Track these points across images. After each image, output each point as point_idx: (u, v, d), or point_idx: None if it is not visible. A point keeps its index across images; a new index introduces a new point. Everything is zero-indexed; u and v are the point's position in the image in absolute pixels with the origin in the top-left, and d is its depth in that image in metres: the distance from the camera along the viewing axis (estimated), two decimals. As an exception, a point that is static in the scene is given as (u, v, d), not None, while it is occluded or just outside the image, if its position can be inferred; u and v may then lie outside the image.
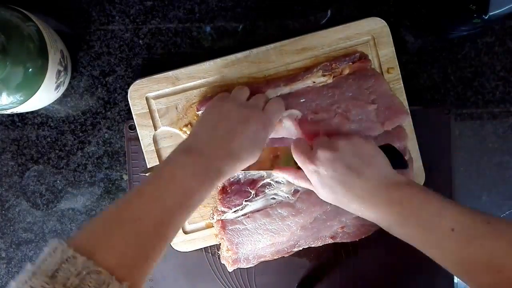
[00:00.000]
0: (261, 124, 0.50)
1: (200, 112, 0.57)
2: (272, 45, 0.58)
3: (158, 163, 0.59)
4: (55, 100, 0.60)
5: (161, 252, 0.40)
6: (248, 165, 0.49)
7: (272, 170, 0.55)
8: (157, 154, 0.59)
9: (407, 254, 0.63)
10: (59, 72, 0.54)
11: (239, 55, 0.58)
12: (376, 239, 0.62)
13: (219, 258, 0.60)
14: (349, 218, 0.57)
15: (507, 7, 0.52)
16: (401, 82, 0.59)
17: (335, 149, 0.49)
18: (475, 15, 0.53)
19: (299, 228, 0.57)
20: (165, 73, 0.58)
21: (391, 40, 0.59)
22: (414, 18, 0.62)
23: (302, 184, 0.53)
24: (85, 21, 0.61)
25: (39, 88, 0.51)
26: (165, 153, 0.59)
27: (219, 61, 0.58)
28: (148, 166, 0.59)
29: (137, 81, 0.58)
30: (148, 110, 0.58)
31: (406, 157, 0.56)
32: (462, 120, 0.64)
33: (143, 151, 0.59)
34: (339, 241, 0.58)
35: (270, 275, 0.61)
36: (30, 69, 0.49)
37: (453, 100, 0.64)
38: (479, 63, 0.64)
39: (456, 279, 0.63)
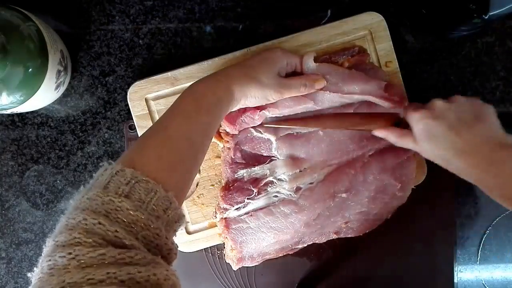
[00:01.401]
0: (282, 48, 0.54)
1: None
2: (270, 42, 0.58)
3: None
4: (55, 100, 0.60)
5: (194, 160, 0.43)
6: (264, 76, 0.51)
7: (370, 130, 0.54)
8: None
9: (407, 254, 0.63)
10: (59, 72, 0.54)
11: (237, 53, 0.58)
12: (376, 239, 0.62)
13: (219, 258, 0.61)
14: (352, 213, 0.57)
15: (507, 7, 0.52)
16: (400, 76, 0.59)
17: (452, 101, 0.48)
18: (475, 15, 0.53)
19: (303, 225, 0.57)
20: (164, 74, 0.58)
21: (388, 34, 0.58)
22: (414, 18, 0.62)
23: (405, 142, 0.51)
24: (85, 21, 0.61)
25: (39, 88, 0.51)
26: None
27: (217, 60, 0.58)
28: None
29: (136, 83, 0.58)
30: (148, 112, 0.58)
31: None
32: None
33: None
34: (343, 236, 0.58)
35: (270, 275, 0.61)
36: (30, 69, 0.49)
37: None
38: (479, 63, 0.64)
39: (456, 279, 0.63)
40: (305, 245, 0.59)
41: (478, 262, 0.65)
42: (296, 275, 0.62)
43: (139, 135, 0.59)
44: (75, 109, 0.62)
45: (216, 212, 0.57)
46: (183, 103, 0.45)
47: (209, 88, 0.46)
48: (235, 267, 0.58)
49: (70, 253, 0.30)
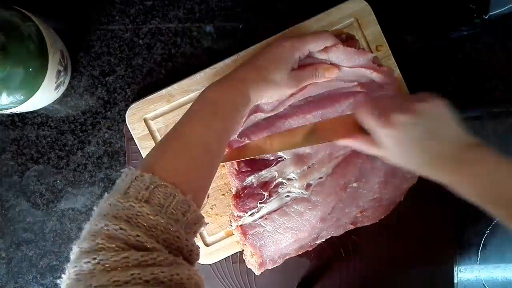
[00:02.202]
0: (287, 39, 0.52)
1: None
2: (258, 44, 0.57)
3: None
4: (55, 100, 0.60)
5: (211, 165, 0.44)
6: (279, 76, 0.50)
7: (328, 141, 0.52)
8: None
9: (407, 254, 0.63)
10: (59, 72, 0.54)
11: (227, 60, 0.57)
12: (376, 239, 0.62)
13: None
14: (365, 201, 0.58)
15: (507, 7, 0.52)
16: (392, 58, 0.59)
17: (412, 112, 0.47)
18: (475, 15, 0.53)
19: (319, 221, 0.57)
20: (158, 92, 0.57)
21: (374, 18, 0.58)
22: (414, 18, 0.62)
23: (372, 152, 0.51)
24: (85, 21, 0.61)
25: (39, 88, 0.51)
26: None
27: (208, 71, 0.58)
28: None
29: (132, 105, 0.57)
30: (148, 132, 0.58)
31: None
32: (462, 120, 0.64)
33: None
34: (360, 226, 0.59)
35: (270, 275, 0.61)
36: (30, 69, 0.49)
37: (453, 100, 0.64)
38: (479, 63, 0.64)
39: (456, 279, 0.63)
40: (323, 240, 0.59)
41: (478, 262, 0.65)
42: (296, 275, 0.62)
43: (143, 157, 0.58)
44: (75, 109, 0.62)
45: (231, 221, 0.57)
46: (200, 110, 0.46)
47: (226, 95, 0.47)
48: (257, 272, 0.58)
49: (94, 258, 0.32)
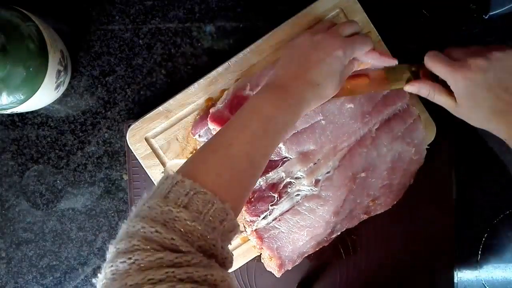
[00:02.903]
0: (339, 48, 0.48)
1: (196, 136, 0.57)
2: (248, 49, 0.57)
3: None
4: (55, 100, 0.60)
5: (253, 178, 0.44)
6: (332, 91, 0.49)
7: (388, 88, 0.53)
8: None
9: (407, 254, 0.63)
10: (59, 72, 0.54)
11: (220, 69, 0.57)
12: (376, 239, 0.62)
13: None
14: (376, 189, 0.58)
15: (507, 7, 0.52)
16: (383, 44, 0.59)
17: (489, 58, 0.48)
18: (475, 15, 0.53)
19: (332, 215, 0.57)
20: (155, 110, 0.57)
21: (360, 6, 0.58)
22: (414, 18, 0.62)
23: (441, 97, 0.51)
24: (85, 21, 0.61)
25: (39, 87, 0.51)
26: None
27: (202, 82, 0.57)
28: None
29: (132, 126, 0.57)
30: (151, 150, 0.58)
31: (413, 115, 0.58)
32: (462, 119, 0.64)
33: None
34: (373, 215, 0.59)
35: (270, 275, 0.61)
36: (30, 69, 0.49)
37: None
38: (479, 63, 0.64)
39: (456, 279, 0.63)
40: (339, 233, 0.59)
41: (478, 262, 0.65)
42: (296, 275, 0.62)
43: (151, 177, 0.58)
44: (75, 109, 0.62)
45: (245, 227, 0.57)
46: (251, 124, 0.44)
47: (280, 113, 0.45)
48: (278, 275, 0.58)
49: (130, 258, 0.32)
